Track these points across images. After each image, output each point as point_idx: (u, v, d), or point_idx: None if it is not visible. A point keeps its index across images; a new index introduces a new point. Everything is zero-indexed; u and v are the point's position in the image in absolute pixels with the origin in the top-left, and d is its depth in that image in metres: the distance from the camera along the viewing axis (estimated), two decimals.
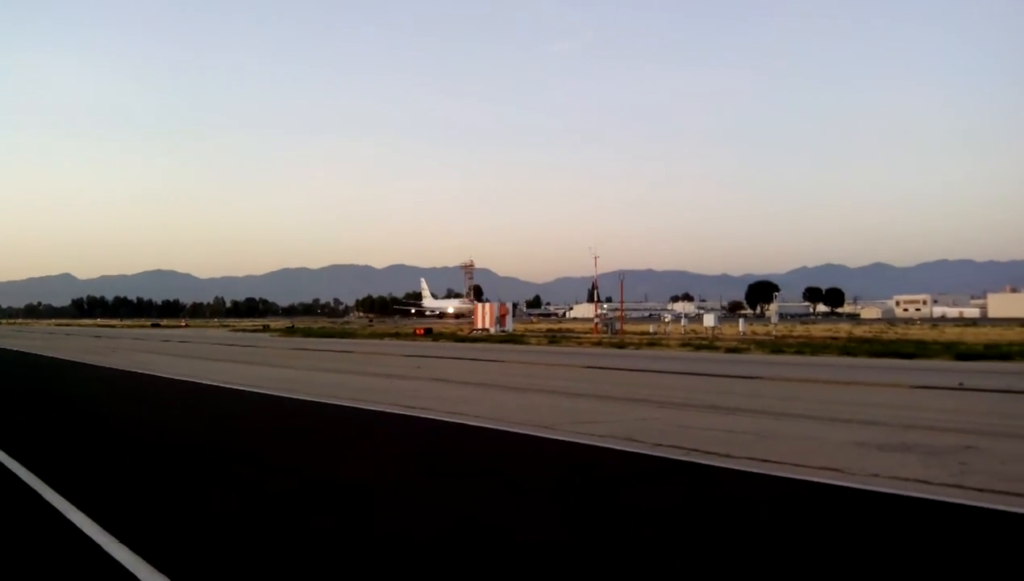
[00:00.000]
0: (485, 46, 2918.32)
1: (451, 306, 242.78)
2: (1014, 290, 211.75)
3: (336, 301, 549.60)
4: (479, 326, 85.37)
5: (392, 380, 28.37)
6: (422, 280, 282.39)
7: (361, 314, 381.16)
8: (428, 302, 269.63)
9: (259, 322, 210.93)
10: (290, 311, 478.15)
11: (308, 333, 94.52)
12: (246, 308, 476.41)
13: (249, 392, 24.78)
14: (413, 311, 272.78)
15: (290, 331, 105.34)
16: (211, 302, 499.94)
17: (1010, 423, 16.33)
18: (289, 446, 14.58)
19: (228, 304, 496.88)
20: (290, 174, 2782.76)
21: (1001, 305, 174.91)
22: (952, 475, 11.00)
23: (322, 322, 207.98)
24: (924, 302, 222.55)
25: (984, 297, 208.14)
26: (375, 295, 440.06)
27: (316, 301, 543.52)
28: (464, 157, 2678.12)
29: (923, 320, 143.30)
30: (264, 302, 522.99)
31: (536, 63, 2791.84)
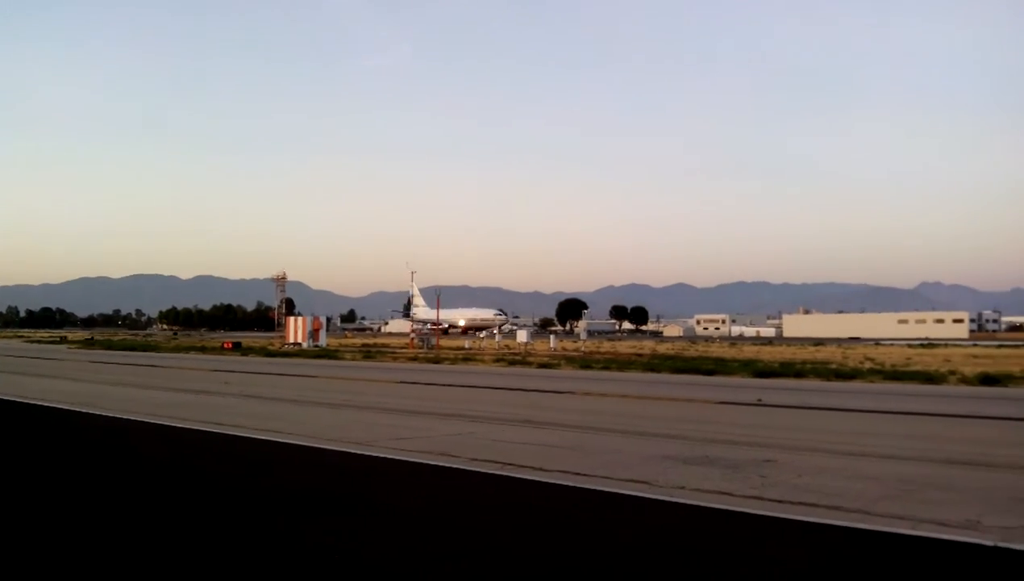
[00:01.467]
0: (307, 58, 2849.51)
1: (462, 318, 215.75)
2: (806, 311, 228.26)
3: (138, 312, 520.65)
4: (291, 340, 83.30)
5: (199, 396, 27.36)
6: (412, 285, 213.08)
7: (165, 326, 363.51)
8: (422, 312, 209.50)
9: (56, 333, 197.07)
10: (89, 322, 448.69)
11: (109, 345, 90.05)
12: (42, 318, 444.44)
13: (40, 406, 23.54)
14: (414, 325, 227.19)
15: (89, 343, 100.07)
16: (3, 311, 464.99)
17: (805, 437, 17.49)
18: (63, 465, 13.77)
19: (22, 313, 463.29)
20: (90, 179, 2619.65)
21: (795, 325, 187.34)
22: (753, 487, 11.70)
23: (123, 334, 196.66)
24: (723, 321, 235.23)
25: (779, 317, 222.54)
26: (180, 307, 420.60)
27: (117, 312, 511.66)
28: (277, 168, 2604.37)
29: (722, 338, 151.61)
30: (62, 312, 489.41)
31: (353, 77, 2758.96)
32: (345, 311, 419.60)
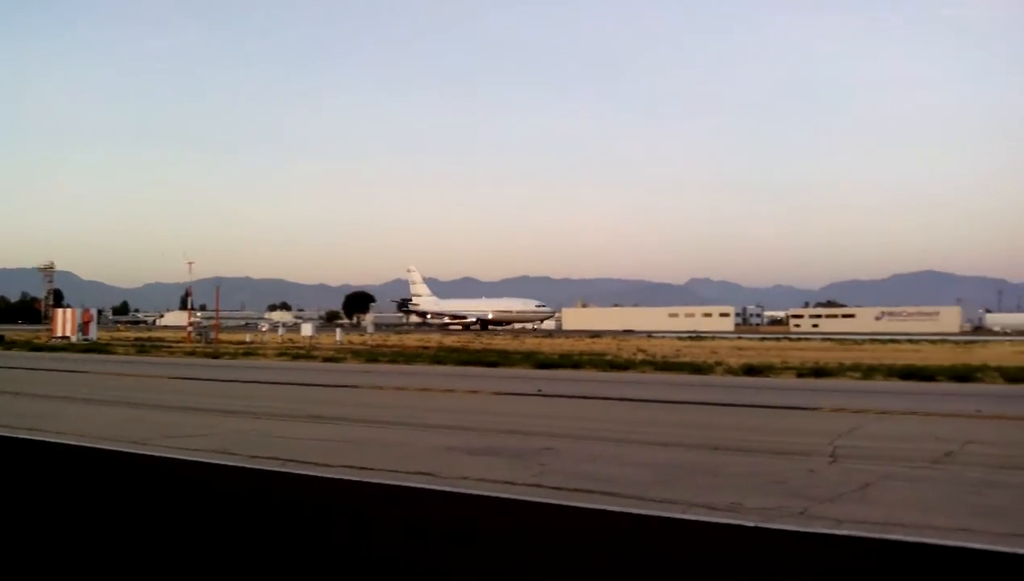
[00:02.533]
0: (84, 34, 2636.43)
1: (490, 309, 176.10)
2: (584, 305, 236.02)
3: None
4: (59, 334, 77.70)
5: None
6: (410, 274, 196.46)
7: None
8: (427, 302, 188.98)
9: None
10: None
11: None
12: None
13: None
14: (427, 318, 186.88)
15: None
16: None
17: (583, 426, 18.16)
18: None
19: None
20: None
21: (574, 318, 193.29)
22: (534, 475, 12.06)
23: None
24: None
25: (559, 311, 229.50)
26: None
27: None
28: (44, 153, 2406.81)
29: (505, 331, 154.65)
30: None
31: (127, 60, 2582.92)
32: (118, 303, 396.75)
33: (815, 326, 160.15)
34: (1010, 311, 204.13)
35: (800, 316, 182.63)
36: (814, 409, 21.28)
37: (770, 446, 15.25)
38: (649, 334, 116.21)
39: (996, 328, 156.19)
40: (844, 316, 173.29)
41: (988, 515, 9.75)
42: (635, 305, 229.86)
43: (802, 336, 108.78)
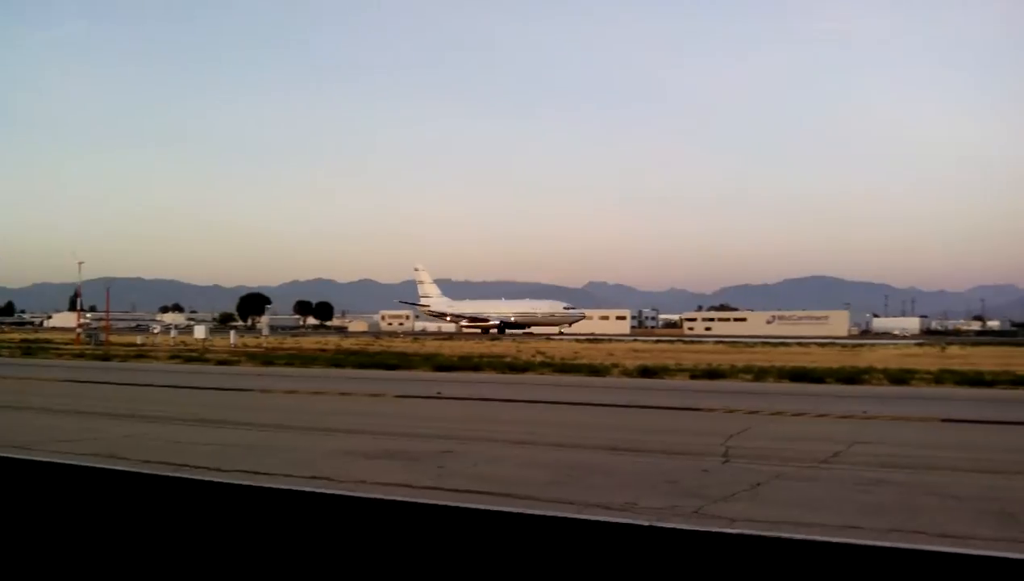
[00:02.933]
0: None
1: (512, 311, 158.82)
2: None
3: None
4: None
5: None
6: (418, 273, 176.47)
7: None
8: (439, 303, 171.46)
9: None
10: None
11: None
12: None
13: None
14: (448, 318, 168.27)
15: None
16: None
17: (481, 428, 18.15)
18: None
19: None
20: None
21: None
22: (432, 478, 11.99)
23: None
24: (407, 317, 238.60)
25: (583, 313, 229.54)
26: None
27: None
28: None
29: (406, 333, 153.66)
30: None
31: (22, 51, 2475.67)
32: (3, 303, 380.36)
33: (708, 329, 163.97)
34: (895, 315, 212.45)
35: (694, 319, 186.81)
36: (707, 410, 21.69)
37: (665, 446, 15.48)
38: (548, 337, 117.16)
39: (896, 331, 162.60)
40: (736, 319, 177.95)
41: (873, 512, 10.05)
42: None
43: (696, 339, 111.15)
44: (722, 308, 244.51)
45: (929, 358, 50.96)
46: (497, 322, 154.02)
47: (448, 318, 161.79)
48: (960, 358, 50.89)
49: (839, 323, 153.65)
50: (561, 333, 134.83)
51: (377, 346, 73.86)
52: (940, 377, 32.03)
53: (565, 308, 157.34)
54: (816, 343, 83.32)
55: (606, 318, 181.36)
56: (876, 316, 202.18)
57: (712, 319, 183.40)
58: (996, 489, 11.64)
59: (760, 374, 33.91)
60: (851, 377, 32.34)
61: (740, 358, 48.16)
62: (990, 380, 30.52)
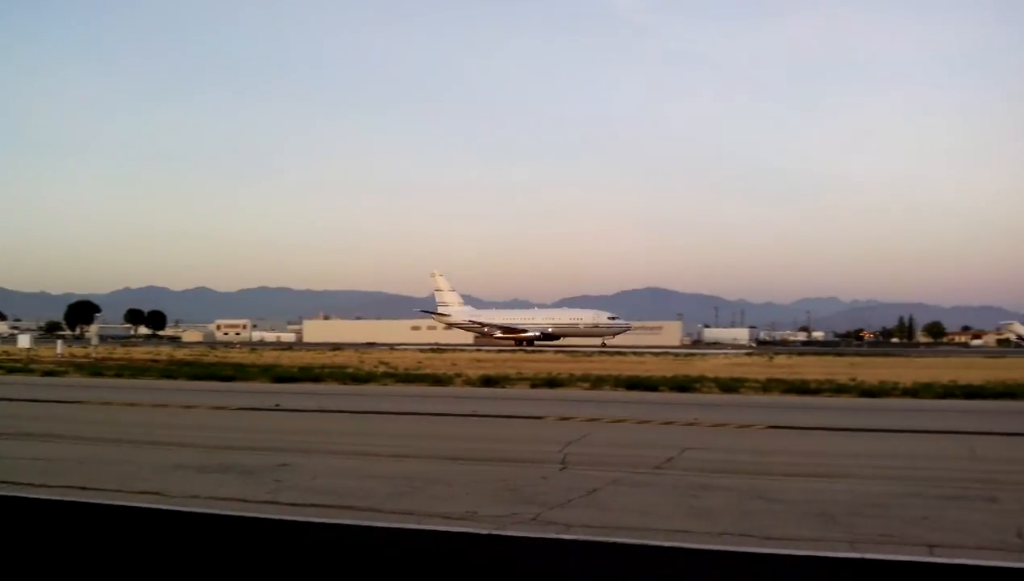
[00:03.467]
0: None
1: (549, 322, 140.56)
2: (326, 317, 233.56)
3: None
4: None
5: None
6: (437, 277, 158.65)
7: None
8: (460, 311, 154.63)
9: None
10: None
11: None
12: None
13: None
14: (486, 329, 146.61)
15: None
16: None
17: (321, 440, 17.85)
18: None
19: None
20: None
21: (315, 330, 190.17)
22: (268, 492, 11.73)
23: None
24: (244, 326, 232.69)
25: (300, 322, 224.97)
26: None
27: None
28: None
29: (243, 344, 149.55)
30: None
31: None
32: None
33: None
34: (725, 326, 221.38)
35: None
36: (547, 418, 22.06)
37: (505, 455, 15.65)
38: (391, 347, 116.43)
39: (727, 341, 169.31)
40: None
41: (704, 517, 10.46)
42: (378, 317, 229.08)
43: (536, 348, 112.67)
44: None
45: (757, 367, 53.37)
46: (536, 333, 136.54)
47: (486, 328, 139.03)
48: (787, 367, 53.49)
49: (672, 333, 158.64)
50: (604, 345, 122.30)
51: (212, 356, 71.67)
52: (768, 385, 33.51)
53: (610, 318, 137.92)
54: (651, 352, 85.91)
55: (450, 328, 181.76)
56: (707, 327, 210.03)
57: None
58: (819, 492, 12.28)
59: (597, 382, 34.72)
60: (684, 385, 33.48)
61: (579, 367, 49.15)
62: (815, 388, 32.17)
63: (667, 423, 21.39)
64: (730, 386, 33.23)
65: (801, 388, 32.39)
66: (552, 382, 35.45)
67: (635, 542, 9.13)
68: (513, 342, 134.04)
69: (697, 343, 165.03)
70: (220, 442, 17.20)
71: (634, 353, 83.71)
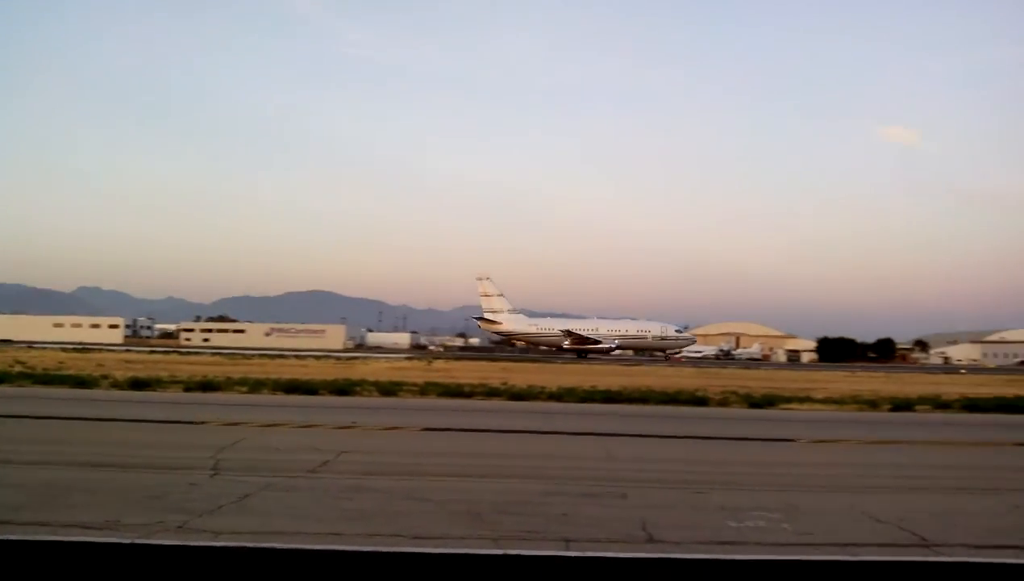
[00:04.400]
0: None
1: (613, 333, 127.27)
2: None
3: None
4: None
5: None
6: (484, 280, 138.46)
7: None
8: (511, 320, 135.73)
9: None
10: None
11: None
12: None
13: None
14: (569, 342, 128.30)
15: None
16: None
17: None
18: None
19: None
20: None
21: None
22: None
23: None
24: None
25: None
26: None
27: None
28: None
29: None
30: None
31: None
32: None
33: (206, 340, 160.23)
34: (388, 331, 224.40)
35: (191, 330, 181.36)
36: (200, 423, 21.29)
37: (153, 461, 15.00)
38: (30, 345, 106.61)
39: (389, 345, 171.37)
40: (235, 331, 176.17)
41: (356, 518, 10.66)
42: (15, 312, 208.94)
43: (193, 350, 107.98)
44: (221, 319, 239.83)
45: (417, 371, 54.70)
46: (613, 345, 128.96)
47: (568, 336, 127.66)
48: (444, 371, 55.29)
49: (336, 337, 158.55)
50: (668, 358, 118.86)
51: None
52: (425, 389, 34.49)
53: (676, 331, 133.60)
54: (313, 356, 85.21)
55: (97, 326, 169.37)
56: (371, 331, 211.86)
57: (210, 330, 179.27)
58: (469, 492, 12.89)
59: (256, 386, 33.94)
60: (344, 389, 33.61)
61: (237, 370, 47.73)
62: (469, 392, 33.51)
63: (325, 426, 21.42)
64: (389, 390, 33.84)
65: (456, 392, 33.65)
66: (208, 386, 34.14)
67: (285, 547, 9.11)
68: (575, 354, 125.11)
69: (360, 347, 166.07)
70: None
71: (296, 356, 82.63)
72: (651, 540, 10.13)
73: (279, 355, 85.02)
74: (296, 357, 79.94)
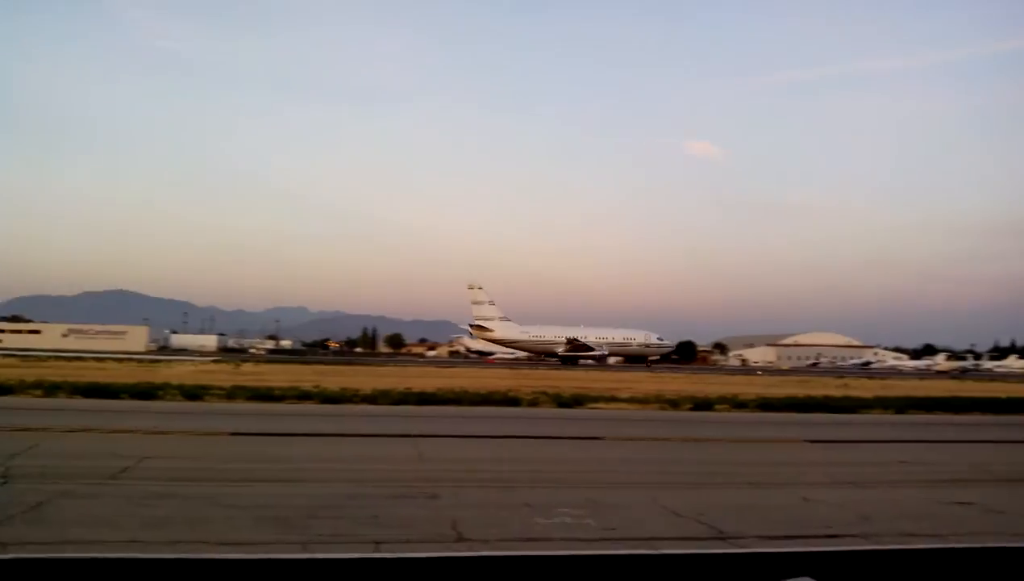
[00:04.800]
0: None
1: (604, 340, 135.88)
2: None
3: None
4: None
5: None
6: (476, 289, 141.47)
7: None
8: (502, 328, 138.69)
9: None
10: None
11: None
12: None
13: None
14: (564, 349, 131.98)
15: None
16: None
17: None
18: None
19: None
20: None
21: None
22: None
23: None
24: None
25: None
26: None
27: None
28: None
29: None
30: None
31: None
32: None
33: None
34: (194, 333, 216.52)
35: None
36: None
37: None
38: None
39: (195, 348, 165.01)
40: (30, 332, 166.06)
41: (158, 526, 10.31)
42: None
43: None
44: (15, 319, 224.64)
45: (224, 374, 52.94)
46: (605, 352, 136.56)
47: (568, 343, 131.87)
48: (253, 375, 53.76)
49: (138, 338, 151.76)
50: (650, 365, 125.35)
51: None
52: (233, 393, 33.50)
53: (658, 339, 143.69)
54: (113, 358, 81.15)
55: None
56: (175, 333, 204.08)
57: (2, 331, 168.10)
58: (278, 497, 12.74)
59: (52, 389, 32.10)
60: (147, 392, 32.25)
61: (32, 373, 44.83)
62: (279, 395, 32.79)
63: (126, 431, 20.55)
64: (195, 393, 32.67)
65: (266, 395, 32.88)
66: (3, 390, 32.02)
67: (81, 556, 8.73)
68: (565, 361, 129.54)
69: (164, 349, 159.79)
70: None
71: (95, 358, 78.43)
72: (461, 539, 10.29)
73: (77, 357, 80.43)
74: (95, 359, 75.86)
